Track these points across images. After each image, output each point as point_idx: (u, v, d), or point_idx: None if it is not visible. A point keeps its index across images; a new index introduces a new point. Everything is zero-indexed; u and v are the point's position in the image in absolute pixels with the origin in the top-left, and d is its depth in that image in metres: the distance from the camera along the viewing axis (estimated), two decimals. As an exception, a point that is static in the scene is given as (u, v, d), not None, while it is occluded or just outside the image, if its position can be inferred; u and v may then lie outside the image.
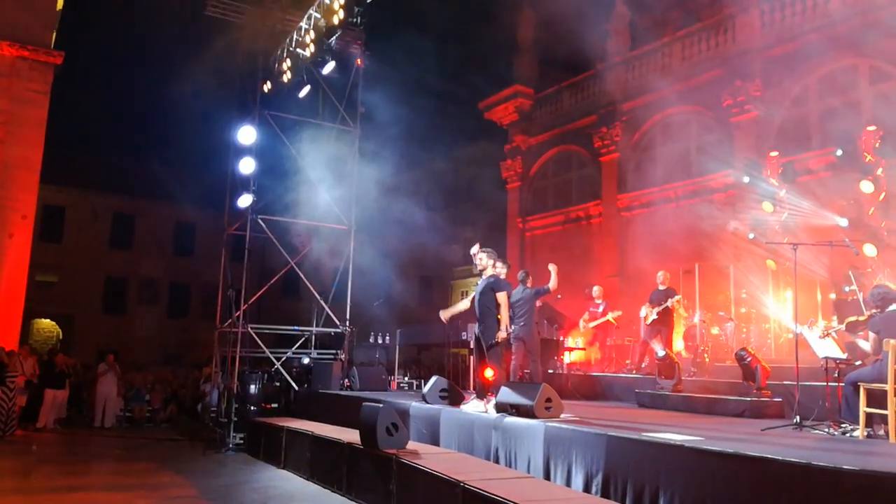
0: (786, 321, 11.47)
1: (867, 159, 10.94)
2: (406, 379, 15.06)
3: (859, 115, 12.36)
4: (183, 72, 13.46)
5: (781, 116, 14.44)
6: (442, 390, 8.91)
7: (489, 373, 8.00)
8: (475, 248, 8.43)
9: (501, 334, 7.87)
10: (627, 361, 12.59)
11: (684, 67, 16.42)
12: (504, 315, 7.96)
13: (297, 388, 13.06)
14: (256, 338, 13.08)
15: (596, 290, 13.24)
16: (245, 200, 13.28)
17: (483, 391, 8.03)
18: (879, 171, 10.93)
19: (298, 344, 14.29)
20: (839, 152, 11.45)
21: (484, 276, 8.17)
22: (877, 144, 10.95)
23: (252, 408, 12.44)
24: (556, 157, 20.38)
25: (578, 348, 13.48)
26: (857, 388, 6.07)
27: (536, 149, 20.81)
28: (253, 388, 12.67)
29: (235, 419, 12.06)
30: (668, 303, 10.98)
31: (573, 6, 16.99)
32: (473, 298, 8.31)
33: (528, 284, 9.92)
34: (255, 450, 11.33)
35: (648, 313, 11.30)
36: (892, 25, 12.03)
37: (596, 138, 18.29)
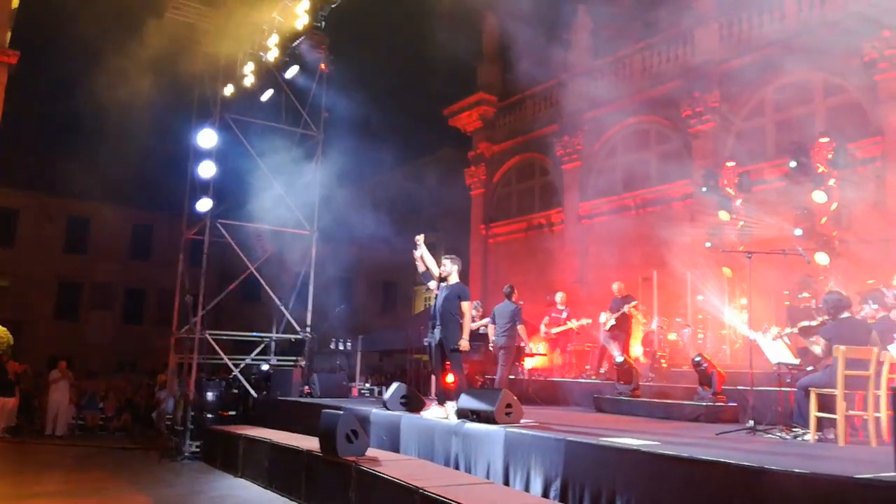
0: (741, 327, 11.71)
1: (820, 170, 11.27)
2: (367, 385, 14.95)
3: (813, 128, 12.71)
4: (142, 73, 13.17)
5: (738, 127, 14.78)
6: (402, 397, 8.87)
7: (451, 378, 8.00)
8: (421, 238, 8.43)
9: (463, 343, 7.88)
10: (587, 367, 12.70)
11: (644, 78, 16.71)
12: (467, 323, 7.98)
13: (255, 395, 12.87)
14: (214, 344, 12.87)
15: (559, 296, 13.33)
16: (205, 205, 13.08)
17: (444, 397, 8.02)
18: (832, 182, 11.27)
19: (258, 350, 14.10)
20: (793, 164, 11.76)
21: (449, 282, 8.17)
22: (829, 156, 11.28)
23: (209, 415, 12.21)
24: (519, 164, 20.53)
25: (539, 354, 13.55)
26: (808, 393, 6.21)
27: (500, 156, 20.95)
28: (210, 396, 12.44)
29: (192, 427, 11.83)
30: (625, 308, 11.13)
31: (536, 16, 17.18)
32: (435, 297, 8.31)
33: (513, 299, 10.54)
34: (212, 458, 11.13)
35: (607, 319, 11.43)
36: (844, 41, 12.42)
37: (558, 147, 18.48)
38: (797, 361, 7.14)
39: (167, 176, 19.51)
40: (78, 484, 9.38)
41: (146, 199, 27.48)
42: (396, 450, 7.97)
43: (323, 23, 12.81)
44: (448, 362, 8.00)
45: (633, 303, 11.25)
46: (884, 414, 5.89)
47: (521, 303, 10.95)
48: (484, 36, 21.51)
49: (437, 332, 8.09)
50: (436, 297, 8.36)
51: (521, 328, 10.65)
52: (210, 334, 12.86)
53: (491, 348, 10.79)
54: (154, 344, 23.56)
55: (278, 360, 14.19)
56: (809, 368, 7.24)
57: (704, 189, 13.15)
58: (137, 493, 8.65)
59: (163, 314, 24.94)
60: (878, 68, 11.99)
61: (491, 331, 10.80)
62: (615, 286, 11.55)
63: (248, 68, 13.80)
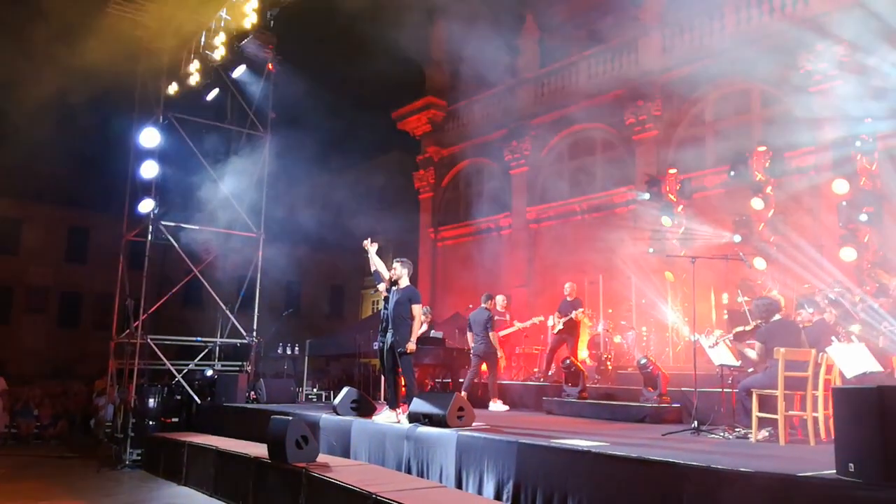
0: (683, 330, 12.04)
1: (758, 178, 11.69)
2: (315, 390, 14.80)
3: (751, 137, 13.16)
4: (80, 69, 12.72)
5: (680, 135, 15.19)
6: (353, 401, 8.81)
7: (403, 381, 8.02)
8: (368, 242, 8.45)
9: (410, 345, 7.89)
10: (535, 370, 12.84)
11: (590, 86, 17.01)
12: (416, 326, 8.01)
13: (199, 401, 12.57)
14: (156, 349, 12.53)
15: (500, 299, 13.43)
16: (146, 206, 12.74)
17: (396, 401, 8.01)
18: (769, 190, 11.71)
19: (201, 356, 13.78)
20: (732, 173, 12.17)
21: (400, 286, 8.17)
22: (767, 164, 11.72)
23: (151, 422, 11.88)
24: (467, 168, 20.64)
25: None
26: (750, 394, 6.43)
27: (449, 160, 21.02)
28: (152, 402, 12.11)
29: (132, 434, 11.50)
30: (573, 314, 11.29)
31: (483, 20, 17.32)
32: (385, 301, 8.30)
33: (488, 306, 10.92)
34: (154, 466, 10.82)
35: (555, 323, 11.58)
36: (780, 53, 12.91)
37: (506, 152, 18.66)
38: (738, 363, 7.38)
39: (106, 175, 18.91)
40: (12, 495, 8.96)
41: (83, 199, 26.51)
42: (347, 455, 7.91)
43: (272, 22, 12.62)
44: (400, 366, 8.00)
45: (581, 310, 11.42)
46: (821, 413, 6.13)
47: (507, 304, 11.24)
48: (432, 40, 21.55)
49: (388, 335, 8.08)
50: (385, 301, 8.36)
51: (492, 335, 10.80)
52: (152, 339, 12.53)
53: (472, 355, 10.98)
54: (91, 349, 22.80)
55: (223, 366, 13.91)
56: (750, 370, 7.50)
57: (647, 196, 13.48)
58: (77, 503, 8.34)
59: (100, 318, 24.15)
60: (812, 80, 12.50)
61: (470, 338, 10.95)
62: (567, 286, 11.68)
63: (194, 66, 13.50)
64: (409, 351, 7.91)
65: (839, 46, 12.04)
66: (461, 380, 11.36)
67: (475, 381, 11.06)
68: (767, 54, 13.14)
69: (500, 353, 11.42)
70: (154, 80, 13.67)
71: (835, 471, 3.98)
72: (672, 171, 13.55)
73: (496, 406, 10.44)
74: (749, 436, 6.37)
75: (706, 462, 4.51)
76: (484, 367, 10.92)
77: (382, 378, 9.59)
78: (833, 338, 6.50)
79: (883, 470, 3.66)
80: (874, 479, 3.67)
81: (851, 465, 3.84)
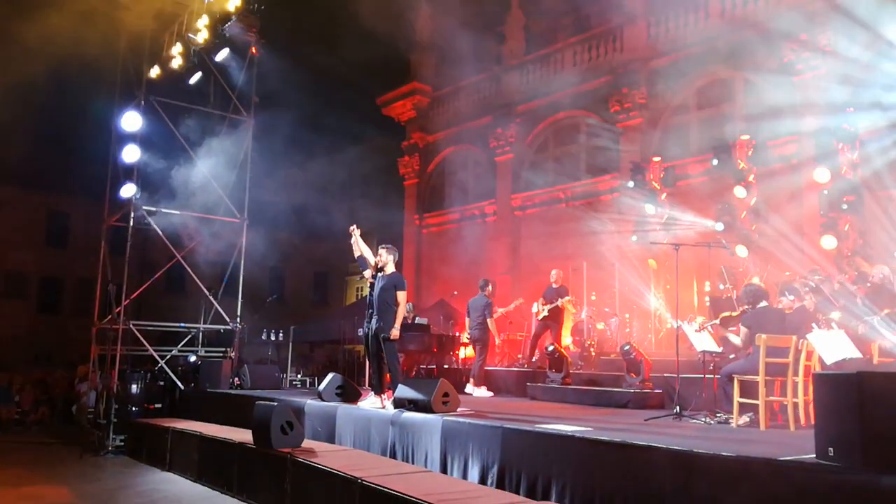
0: (666, 317, 12.15)
1: (740, 166, 11.78)
2: (299, 377, 14.78)
3: (734, 125, 13.24)
4: (59, 51, 12.50)
5: (664, 123, 15.25)
6: (338, 387, 8.82)
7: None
8: (353, 228, 8.46)
9: (394, 332, 7.90)
10: (519, 356, 12.93)
11: (575, 73, 16.99)
12: (400, 312, 8.02)
13: (182, 387, 12.53)
14: (139, 335, 12.45)
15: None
16: (128, 190, 12.61)
17: (381, 387, 8.03)
18: (751, 178, 11.81)
19: (184, 342, 13.71)
20: (715, 161, 12.24)
21: (385, 272, 8.17)
22: (750, 153, 11.81)
23: (133, 408, 11.83)
24: (452, 155, 20.59)
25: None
26: (731, 380, 6.51)
27: (434, 146, 20.95)
28: (134, 388, 12.05)
29: (115, 420, 11.43)
30: (559, 302, 11.35)
31: (469, 6, 17.24)
32: (370, 287, 8.28)
33: (486, 293, 10.93)
34: (137, 452, 10.80)
35: (540, 310, 11.63)
36: (762, 43, 12.99)
37: (491, 138, 18.64)
38: (720, 349, 7.46)
39: (87, 159, 18.65)
40: (-8, 482, 8.91)
41: (64, 183, 26.16)
42: (332, 441, 7.93)
43: (255, 5, 12.48)
44: (384, 352, 8.01)
45: (567, 298, 11.48)
46: (801, 399, 6.23)
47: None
48: (418, 26, 21.41)
49: (373, 321, 8.08)
50: (371, 287, 8.34)
51: (490, 322, 10.91)
52: (134, 325, 12.44)
53: (466, 340, 11.05)
54: (72, 335, 22.63)
55: (206, 352, 13.85)
56: (731, 356, 7.59)
57: (631, 184, 13.54)
58: (59, 489, 8.30)
59: (81, 304, 23.96)
60: (795, 70, 12.59)
61: (467, 324, 11.02)
62: (553, 273, 11.72)
63: (176, 49, 13.33)
64: (392, 337, 7.92)
65: (822, 36, 12.13)
66: (446, 366, 11.41)
67: (445, 365, 11.18)
68: (751, 43, 13.21)
69: (498, 340, 11.56)
70: (136, 63, 13.48)
71: (814, 455, 4.04)
72: (656, 159, 13.61)
73: (480, 392, 10.50)
74: (730, 421, 6.47)
75: (688, 447, 4.57)
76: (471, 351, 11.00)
77: (367, 364, 9.60)
78: (813, 324, 6.59)
79: (861, 454, 3.72)
80: (853, 464, 3.74)
81: (831, 449, 3.91)
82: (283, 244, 24.42)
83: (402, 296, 8.03)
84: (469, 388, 10.57)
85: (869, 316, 7.03)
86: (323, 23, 15.24)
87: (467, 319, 11.15)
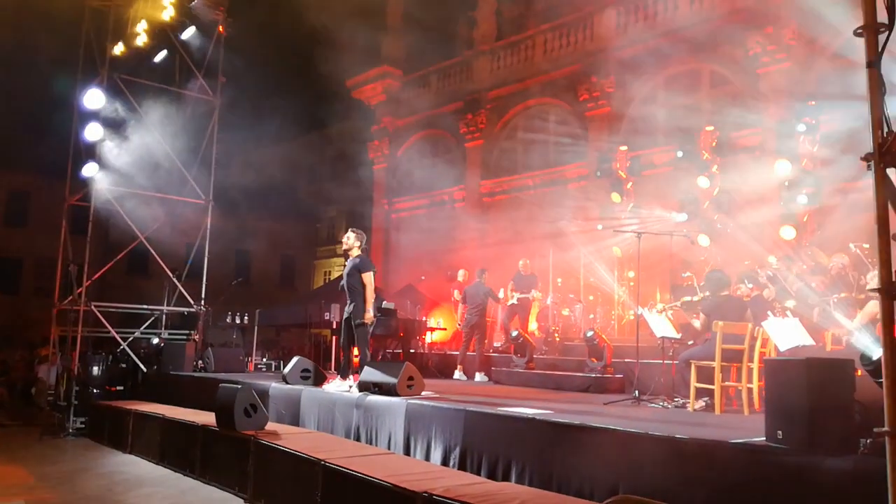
0: (628, 303, 12.35)
1: (704, 157, 11.97)
2: (265, 360, 14.72)
3: (700, 116, 13.41)
4: (19, 25, 12.17)
5: (631, 113, 15.39)
6: (304, 370, 8.82)
7: (356, 352, 8.04)
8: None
9: (368, 315, 7.87)
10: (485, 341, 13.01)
11: (546, 60, 17.05)
12: (369, 294, 7.96)
13: (145, 369, 12.41)
14: (101, 316, 12.28)
15: (461, 273, 13.53)
16: (90, 169, 12.37)
17: (348, 371, 8.05)
18: (715, 169, 12.00)
19: (147, 324, 13.55)
20: (680, 153, 12.41)
21: (351, 257, 8.14)
22: (713, 144, 11.99)
23: (95, 390, 11.71)
24: (422, 140, 20.55)
25: (440, 328, 13.77)
26: (689, 365, 6.67)
27: (404, 131, 20.87)
28: (96, 370, 11.92)
29: (76, 402, 11.29)
30: (531, 296, 11.44)
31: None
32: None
33: (484, 280, 11.13)
34: (98, 434, 10.69)
35: (509, 296, 11.68)
36: (729, 35, 13.16)
37: (461, 124, 18.64)
38: (679, 336, 7.63)
39: (47, 137, 18.24)
40: (-53, 464, 8.76)
41: (24, 161, 25.51)
42: (297, 424, 7.95)
43: (223, -18, 12.29)
44: (355, 336, 7.98)
45: (537, 293, 11.54)
46: (756, 385, 6.41)
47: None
48: (388, 8, 21.26)
49: (348, 306, 8.08)
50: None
51: (501, 307, 11.49)
52: (96, 306, 12.27)
53: (458, 326, 11.19)
54: (31, 315, 22.19)
55: (170, 334, 13.72)
56: (690, 343, 7.77)
57: (598, 173, 13.68)
58: (17, 470, 8.19)
59: (42, 284, 23.49)
60: (760, 62, 12.80)
61: (462, 310, 11.17)
62: (521, 263, 11.80)
63: (141, 27, 13.06)
64: (366, 322, 7.88)
65: (787, 29, 12.34)
66: (412, 350, 11.46)
67: (412, 350, 11.25)
68: (718, 35, 13.38)
69: (501, 321, 11.69)
70: (99, 40, 13.17)
71: (764, 438, 4.18)
72: (623, 148, 13.74)
73: (481, 378, 10.59)
74: (687, 405, 6.63)
75: (644, 429, 4.69)
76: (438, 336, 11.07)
77: (334, 348, 9.60)
78: (769, 312, 6.76)
79: (808, 437, 3.86)
80: (799, 446, 3.88)
81: (779, 432, 4.04)
82: (250, 227, 24.15)
83: (367, 277, 7.95)
84: (463, 375, 10.68)
85: (823, 299, 7.25)
86: (292, 3, 15.01)
87: (460, 306, 11.27)
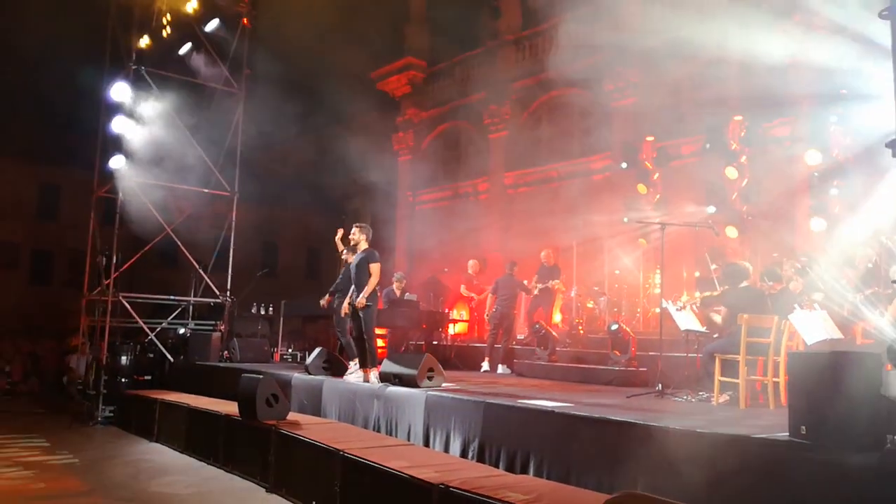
0: (654, 296, 12.20)
1: (733, 147, 11.75)
2: (290, 351, 14.83)
3: (727, 107, 13.15)
4: (48, 20, 12.34)
5: (658, 103, 15.12)
6: (325, 361, 8.88)
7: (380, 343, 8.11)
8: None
9: (360, 300, 7.87)
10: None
11: (570, 50, 16.84)
12: (371, 283, 7.99)
13: (172, 359, 12.58)
14: (129, 307, 12.47)
15: (472, 263, 13.50)
16: (117, 162, 12.53)
17: (364, 361, 8.07)
18: (743, 159, 11.78)
19: (174, 314, 13.73)
20: (707, 145, 12.20)
21: (359, 250, 8.23)
22: (742, 134, 11.77)
23: (123, 380, 11.90)
24: (447, 131, 20.48)
25: (462, 320, 13.75)
26: (713, 359, 6.55)
27: (428, 122, 20.81)
28: (124, 360, 12.12)
29: (105, 391, 11.49)
30: (550, 284, 11.37)
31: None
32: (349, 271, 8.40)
33: (514, 273, 11.26)
34: (126, 423, 10.88)
35: (532, 287, 11.62)
36: (759, 23, 12.86)
37: (486, 116, 18.52)
38: (704, 329, 7.51)
39: (77, 130, 18.50)
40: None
41: (54, 155, 25.94)
42: (318, 414, 8.00)
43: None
44: (362, 324, 8.01)
45: (558, 282, 11.46)
46: (782, 379, 6.28)
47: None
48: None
49: (351, 296, 8.17)
50: (348, 266, 8.57)
51: (532, 297, 11.36)
52: (124, 297, 12.45)
53: (486, 317, 11.39)
54: (63, 306, 22.55)
55: (196, 325, 13.88)
56: (715, 336, 7.64)
57: (625, 165, 13.51)
58: (45, 457, 8.35)
59: (72, 276, 23.86)
60: (789, 52, 12.49)
61: (491, 301, 11.24)
62: (543, 254, 11.73)
63: (166, 19, 13.17)
64: (358, 305, 7.90)
65: (816, 17, 12.03)
66: (435, 342, 11.46)
67: (434, 342, 11.25)
68: (748, 24, 13.08)
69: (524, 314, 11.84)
70: (125, 33, 13.31)
71: (787, 433, 4.09)
72: (649, 138, 13.56)
73: (504, 370, 10.58)
74: (711, 399, 6.52)
75: (666, 423, 4.62)
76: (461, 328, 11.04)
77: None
78: (795, 305, 6.62)
79: (832, 433, 3.77)
80: (824, 442, 3.79)
81: (803, 427, 3.95)
82: (277, 219, 24.34)
83: (374, 268, 8.01)
84: (489, 367, 10.77)
85: (853, 295, 7.08)
86: (316, -5, 15.02)
87: (490, 297, 11.28)
